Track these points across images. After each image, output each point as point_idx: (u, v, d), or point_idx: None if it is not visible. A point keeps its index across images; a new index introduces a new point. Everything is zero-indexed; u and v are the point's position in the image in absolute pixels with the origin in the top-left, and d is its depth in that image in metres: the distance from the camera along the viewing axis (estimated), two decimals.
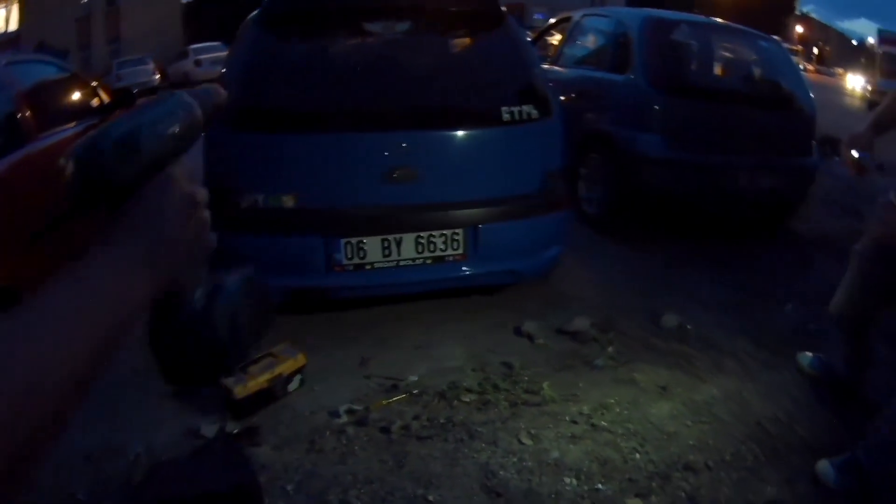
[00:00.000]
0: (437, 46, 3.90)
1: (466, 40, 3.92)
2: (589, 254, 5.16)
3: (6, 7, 36.90)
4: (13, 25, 35.65)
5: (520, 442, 2.73)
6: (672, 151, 5.16)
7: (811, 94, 5.83)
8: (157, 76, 29.49)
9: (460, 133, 3.58)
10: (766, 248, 5.56)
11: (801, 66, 38.54)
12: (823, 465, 2.62)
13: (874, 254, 2.76)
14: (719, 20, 6.65)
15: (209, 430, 2.95)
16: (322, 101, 3.56)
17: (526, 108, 3.63)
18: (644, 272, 4.84)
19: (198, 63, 29.03)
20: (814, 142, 5.66)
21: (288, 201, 3.40)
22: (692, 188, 5.30)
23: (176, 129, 0.67)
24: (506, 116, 3.58)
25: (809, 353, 3.42)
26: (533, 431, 2.80)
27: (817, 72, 45.57)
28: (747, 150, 5.35)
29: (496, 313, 4.05)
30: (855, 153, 2.72)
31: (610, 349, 3.59)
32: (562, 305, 4.18)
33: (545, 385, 3.15)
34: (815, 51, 43.38)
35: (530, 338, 3.75)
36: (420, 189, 3.47)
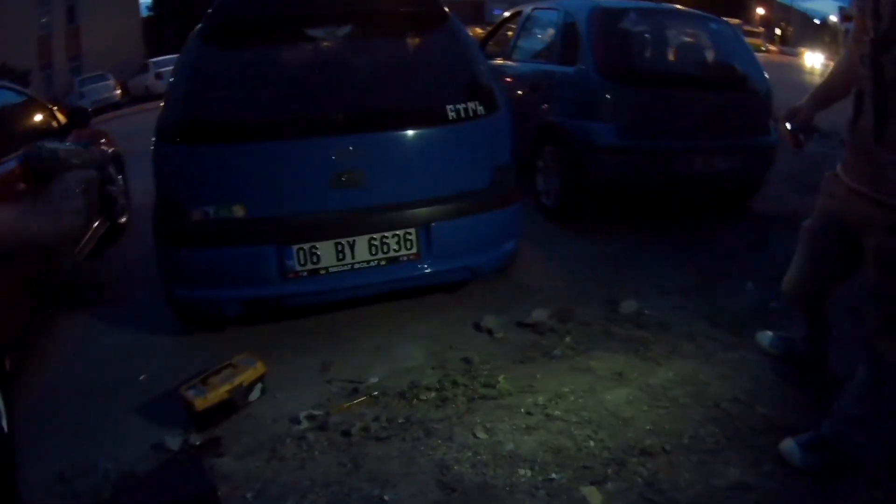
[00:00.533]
0: (380, 48, 3.91)
1: (409, 41, 3.93)
2: (547, 246, 5.21)
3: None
4: None
5: (475, 436, 2.74)
6: (623, 139, 5.20)
7: (765, 73, 5.87)
8: (118, 92, 30.04)
9: (406, 133, 3.60)
10: (726, 229, 5.60)
11: (765, 48, 38.89)
12: (788, 445, 2.61)
13: (822, 227, 2.74)
14: (670, 5, 6.68)
15: (174, 442, 2.99)
16: (266, 110, 3.57)
17: (471, 104, 3.65)
18: (603, 261, 4.88)
19: (158, 76, 29.56)
20: (771, 120, 5.69)
21: (238, 211, 3.41)
22: (646, 175, 5.34)
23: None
24: (451, 115, 3.60)
25: (770, 332, 3.43)
26: (488, 425, 2.81)
27: (780, 52, 45.88)
28: (701, 134, 5.39)
29: (455, 310, 4.08)
30: (789, 126, 2.77)
31: (568, 339, 3.62)
32: (521, 298, 4.22)
33: (501, 378, 3.17)
34: (778, 32, 43.77)
35: (490, 332, 3.78)
36: (369, 191, 3.49)
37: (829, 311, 3.07)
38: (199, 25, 3.74)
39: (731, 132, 5.47)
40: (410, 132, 3.60)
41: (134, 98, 29.22)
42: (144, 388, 3.51)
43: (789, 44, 57.37)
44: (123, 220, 6.23)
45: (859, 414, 2.51)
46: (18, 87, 5.16)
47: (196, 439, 2.99)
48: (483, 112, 3.69)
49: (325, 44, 3.77)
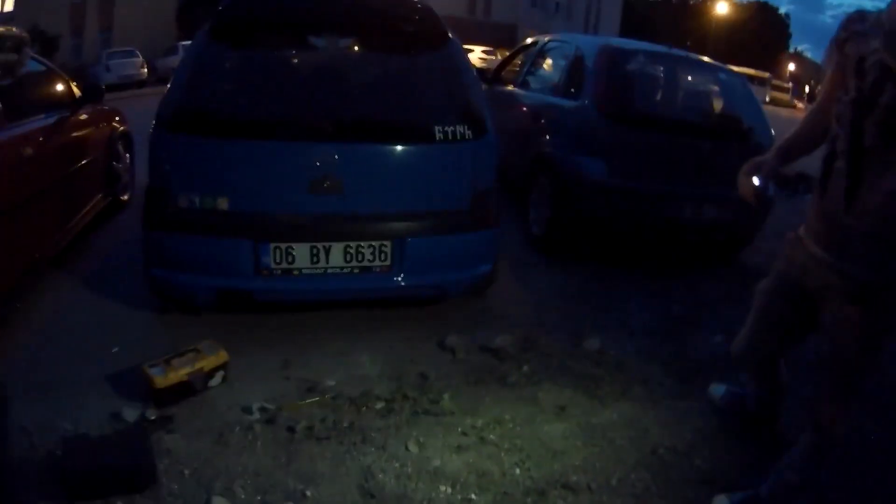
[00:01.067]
0: (377, 63, 4.02)
1: (407, 58, 4.03)
2: (527, 273, 5.30)
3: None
4: (9, 6, 35.72)
5: (406, 449, 2.85)
6: (613, 178, 5.27)
7: (770, 127, 5.87)
8: (145, 70, 30.03)
9: (391, 148, 3.71)
10: (709, 278, 5.65)
11: (795, 104, 38.65)
12: (721, 501, 2.61)
13: (778, 290, 2.69)
14: (681, 51, 6.73)
15: (131, 415, 3.12)
16: (258, 109, 3.70)
17: (460, 127, 3.76)
18: (578, 294, 4.95)
19: None
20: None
21: (221, 203, 3.53)
22: (633, 216, 5.40)
23: None
24: (438, 135, 3.71)
25: (724, 386, 3.44)
26: (422, 440, 2.91)
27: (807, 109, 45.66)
28: (694, 181, 5.42)
29: (423, 326, 4.17)
30: (756, 180, 2.70)
31: (525, 367, 3.70)
32: (490, 322, 4.30)
33: (445, 396, 3.27)
34: (807, 89, 43.41)
35: (452, 352, 3.87)
36: (349, 199, 3.60)
37: (786, 371, 3.09)
38: (209, 22, 3.88)
39: (725, 182, 5.46)
40: (395, 147, 3.71)
41: (160, 78, 29.03)
42: (115, 360, 3.63)
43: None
44: (126, 196, 6.40)
45: (800, 480, 2.51)
46: (38, 58, 5.27)
47: (151, 414, 3.12)
48: (470, 136, 3.79)
49: (324, 52, 3.89)
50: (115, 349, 3.75)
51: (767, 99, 37.43)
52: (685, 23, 61.27)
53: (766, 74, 39.74)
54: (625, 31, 58.83)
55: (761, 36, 61.13)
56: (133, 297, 4.34)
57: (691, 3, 66.34)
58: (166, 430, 3.02)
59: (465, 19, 46.66)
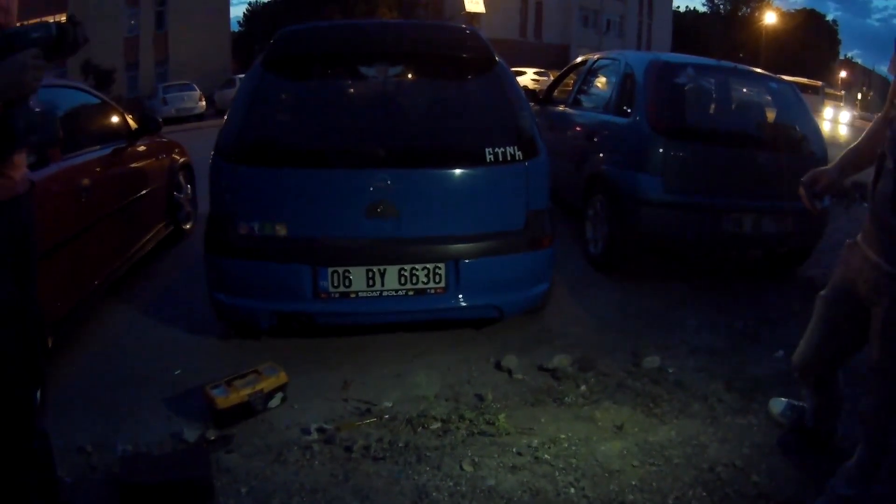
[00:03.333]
0: (428, 89, 4.10)
1: (456, 83, 4.09)
2: (585, 292, 5.28)
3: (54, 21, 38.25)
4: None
5: (461, 468, 2.84)
6: (670, 194, 5.23)
7: (822, 137, 5.78)
8: (203, 103, 30.26)
9: (444, 172, 3.76)
10: (769, 293, 5.54)
11: (847, 112, 37.77)
12: None
13: (836, 297, 2.65)
14: (730, 63, 6.65)
15: (191, 434, 3.21)
16: (313, 139, 3.81)
17: (510, 149, 3.78)
18: (637, 312, 4.90)
19: None
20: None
21: (280, 230, 3.64)
22: (692, 231, 5.34)
23: None
24: (490, 157, 3.74)
25: (784, 400, 3.38)
26: (477, 459, 2.91)
27: (861, 117, 44.45)
28: (752, 194, 5.34)
29: (480, 346, 4.18)
30: (825, 201, 2.70)
31: (583, 387, 3.67)
32: (547, 341, 4.29)
33: (501, 417, 3.26)
34: (859, 96, 42.27)
35: (509, 372, 3.85)
36: (403, 224, 3.65)
37: (843, 383, 3.00)
38: (262, 53, 4.01)
39: (783, 195, 5.28)
40: (448, 171, 3.76)
41: (218, 111, 29.55)
42: (177, 381, 3.76)
43: (869, 108, 55.79)
44: (188, 226, 6.59)
45: (854, 494, 2.45)
46: (94, 92, 5.48)
47: (212, 434, 3.21)
48: (521, 157, 3.81)
49: (375, 81, 3.99)
50: (178, 372, 3.88)
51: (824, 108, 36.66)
52: (735, 35, 60.66)
53: (819, 83, 38.91)
54: (676, 46, 58.51)
55: (812, 44, 60.13)
56: (195, 322, 4.48)
57: (740, 14, 65.59)
58: (226, 449, 3.09)
59: (516, 41, 46.97)
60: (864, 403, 2.49)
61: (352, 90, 4.04)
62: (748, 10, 64.80)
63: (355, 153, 3.71)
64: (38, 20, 1.92)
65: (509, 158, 3.78)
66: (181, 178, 6.45)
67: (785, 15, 60.23)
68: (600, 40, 53.73)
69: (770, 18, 55.21)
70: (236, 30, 50.29)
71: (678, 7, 69.87)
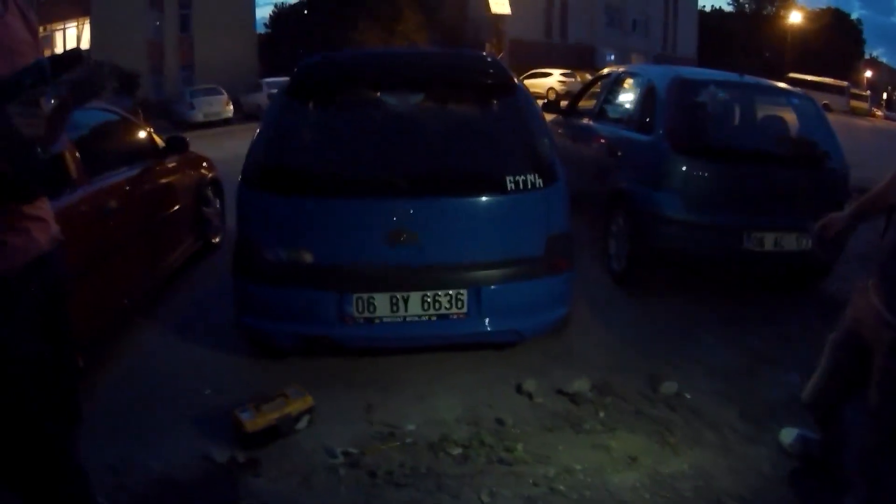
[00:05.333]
0: (448, 117, 4.20)
1: (477, 111, 4.20)
2: (605, 311, 5.34)
3: (77, 26, 38.06)
4: (84, 45, 37.18)
5: (479, 499, 2.95)
6: (691, 213, 5.29)
7: (842, 151, 5.80)
8: (231, 108, 29.78)
9: (465, 201, 3.87)
10: (785, 308, 5.57)
11: (873, 111, 37.14)
12: None
13: (843, 339, 2.74)
14: (753, 78, 6.67)
15: (220, 456, 3.32)
16: (337, 168, 3.92)
17: (530, 176, 3.87)
18: (657, 332, 4.96)
19: (271, 97, 29.41)
20: (846, 202, 5.60)
21: (306, 257, 3.77)
22: (713, 250, 5.40)
23: None
24: (510, 185, 3.84)
25: (795, 430, 3.43)
26: (494, 490, 3.01)
27: (885, 117, 43.44)
28: (773, 211, 5.38)
29: (500, 368, 4.26)
30: (819, 239, 2.81)
31: (602, 414, 3.74)
32: (567, 363, 4.36)
33: (519, 446, 3.35)
34: (885, 96, 41.42)
35: (530, 396, 3.94)
36: (425, 251, 3.76)
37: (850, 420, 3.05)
38: (287, 82, 4.16)
39: (804, 212, 5.27)
40: (469, 199, 3.88)
41: (246, 115, 29.32)
42: (206, 402, 3.88)
43: (895, 108, 54.93)
44: (217, 239, 6.74)
45: None
46: (121, 112, 5.62)
47: (240, 457, 3.32)
48: (541, 184, 3.90)
49: (397, 109, 4.12)
50: (207, 391, 3.99)
51: (847, 108, 36.28)
52: (760, 34, 60.13)
53: (845, 83, 38.45)
54: (701, 46, 58.09)
55: (836, 44, 59.44)
56: (223, 340, 4.61)
57: (765, 13, 65.06)
58: (254, 472, 3.21)
59: (541, 43, 46.84)
60: (863, 442, 2.57)
61: (374, 118, 4.14)
62: (773, 8, 64.21)
63: (378, 182, 3.83)
64: (35, 61, 1.82)
65: (529, 186, 3.87)
66: (209, 193, 6.60)
67: (810, 14, 59.63)
68: (626, 40, 53.49)
69: (795, 18, 54.69)
70: (262, 32, 50.36)
71: (703, 6, 69.33)
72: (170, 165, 5.78)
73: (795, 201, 5.40)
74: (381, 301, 3.77)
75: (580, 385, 4.01)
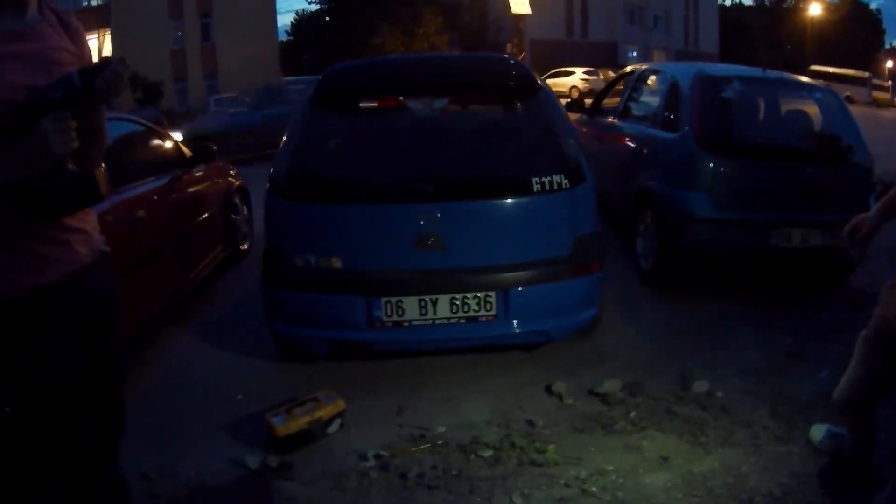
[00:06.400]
0: (472, 120, 4.23)
1: (501, 114, 4.23)
2: (635, 309, 5.33)
3: (98, 37, 38.49)
4: (106, 53, 37.51)
5: (511, 501, 2.96)
6: (719, 211, 5.26)
7: (867, 146, 5.75)
8: None
9: (491, 203, 3.87)
10: (816, 304, 5.52)
11: (895, 102, 36.36)
12: None
13: (874, 338, 2.73)
14: (776, 73, 6.62)
15: (252, 461, 3.36)
16: (363, 174, 3.97)
17: (557, 177, 3.87)
18: (687, 331, 4.93)
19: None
20: (871, 195, 5.55)
21: (334, 263, 3.81)
22: (741, 247, 5.36)
23: None
24: (536, 187, 3.84)
25: (825, 427, 3.40)
26: (526, 491, 3.01)
27: None
28: (799, 208, 5.34)
29: (529, 369, 4.27)
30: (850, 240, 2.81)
31: (632, 414, 3.73)
32: (598, 364, 4.35)
33: (551, 447, 3.35)
34: None
35: (559, 397, 3.94)
36: (453, 255, 3.77)
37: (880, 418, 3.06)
38: (311, 91, 4.20)
39: (830, 207, 5.31)
40: (496, 202, 3.88)
41: None
42: (238, 406, 3.93)
43: None
44: (245, 246, 6.80)
45: None
46: (149, 124, 5.67)
47: (273, 461, 3.36)
48: (567, 185, 3.90)
49: (421, 114, 4.13)
50: (239, 396, 4.05)
51: (870, 99, 35.77)
52: (780, 26, 59.62)
53: (867, 74, 37.89)
54: (722, 40, 57.66)
55: (856, 34, 58.76)
56: (253, 346, 4.67)
57: (784, 6, 64.52)
58: (286, 476, 3.26)
59: (563, 42, 46.77)
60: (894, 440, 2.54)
61: (398, 124, 4.18)
62: (792, 0, 63.69)
63: (404, 188, 3.86)
64: (63, 75, 1.80)
65: (556, 187, 3.87)
66: (237, 201, 6.66)
67: (829, 5, 59.04)
68: (647, 37, 53.27)
69: (815, 9, 54.17)
70: (284, 39, 50.62)
71: (723, 1, 68.97)
72: (197, 174, 5.84)
73: (821, 196, 5.36)
74: (410, 304, 3.79)
75: (610, 385, 4.00)
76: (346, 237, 3.85)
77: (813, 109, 6.20)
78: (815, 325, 5.08)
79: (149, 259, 4.49)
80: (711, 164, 5.35)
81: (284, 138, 4.15)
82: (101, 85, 1.79)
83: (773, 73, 6.52)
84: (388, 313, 3.79)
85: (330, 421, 3.61)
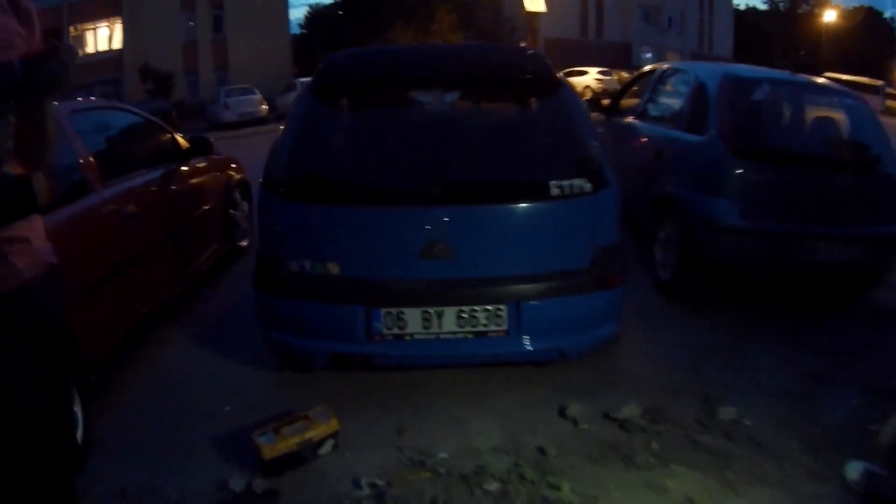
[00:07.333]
0: (486, 117, 3.86)
1: (517, 110, 3.86)
2: (655, 323, 4.99)
3: (109, 26, 38.57)
4: (116, 44, 37.52)
5: None
6: (746, 220, 4.94)
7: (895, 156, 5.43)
8: (264, 107, 30.07)
9: (505, 208, 3.52)
10: (839, 321, 5.24)
11: None
12: None
13: None
14: (804, 77, 6.30)
15: (237, 484, 3.11)
16: (367, 174, 3.61)
17: (577, 181, 3.53)
18: (711, 348, 4.62)
19: None
20: None
21: (332, 269, 3.47)
22: (766, 260, 5.05)
23: None
24: (555, 191, 3.49)
25: (860, 464, 3.13)
26: None
27: None
28: (826, 219, 5.05)
29: (542, 388, 3.95)
30: None
31: (654, 445, 3.41)
32: (616, 384, 4.04)
33: (566, 485, 3.03)
34: None
35: (574, 421, 3.62)
36: (461, 264, 3.44)
37: None
38: (311, 80, 3.86)
39: (857, 218, 5.08)
40: (509, 207, 3.53)
41: (280, 115, 29.67)
42: (226, 420, 3.65)
43: None
44: (245, 243, 6.50)
45: None
46: (142, 113, 5.39)
47: (259, 487, 3.07)
48: (589, 189, 3.55)
49: (431, 109, 3.78)
50: (228, 408, 3.76)
51: (883, 108, 35.55)
52: (795, 32, 59.44)
53: (881, 83, 37.58)
54: (737, 44, 57.51)
55: (870, 42, 58.56)
56: (247, 352, 4.36)
57: (799, 12, 64.32)
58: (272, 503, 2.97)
59: (577, 41, 46.63)
60: None
61: (406, 119, 3.83)
62: (808, 6, 63.54)
63: (409, 190, 3.51)
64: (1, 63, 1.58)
65: (576, 192, 3.53)
66: (237, 195, 6.37)
67: (844, 13, 58.82)
68: (661, 38, 52.97)
69: (830, 16, 53.98)
70: (297, 33, 50.55)
71: (738, 4, 68.99)
72: (194, 167, 5.56)
73: (850, 208, 5.10)
74: (413, 316, 3.46)
75: (630, 411, 3.68)
76: (345, 241, 3.51)
77: (842, 116, 5.90)
78: (839, 343, 4.80)
79: (139, 256, 4.25)
80: (740, 170, 5.04)
81: (281, 130, 3.82)
82: (46, 76, 1.55)
83: (801, 77, 6.21)
84: (389, 325, 3.47)
85: (322, 442, 3.32)
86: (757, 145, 5.22)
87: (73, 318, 3.20)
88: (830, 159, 5.39)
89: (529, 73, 3.89)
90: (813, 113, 6.07)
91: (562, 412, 3.71)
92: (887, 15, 69.43)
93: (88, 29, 39.05)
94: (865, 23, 60.85)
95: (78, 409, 3.18)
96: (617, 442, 3.46)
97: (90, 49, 38.67)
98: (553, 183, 3.51)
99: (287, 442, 3.20)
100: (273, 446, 3.18)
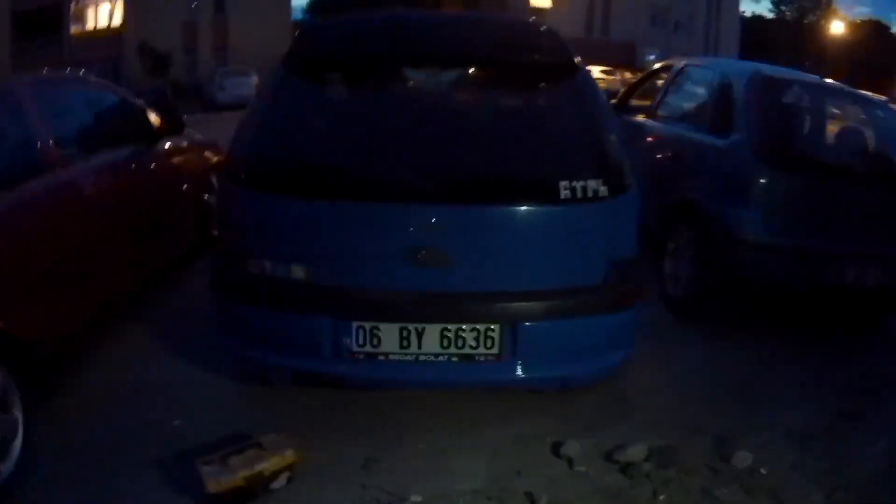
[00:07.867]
0: (489, 102, 3.37)
1: (526, 96, 3.34)
2: (666, 347, 4.52)
3: (111, 3, 38.77)
4: (117, 20, 37.19)
5: None
6: (773, 235, 4.52)
7: None
8: None
9: (505, 211, 3.02)
10: (860, 350, 4.86)
11: None
12: None
13: None
14: (835, 82, 5.93)
15: None
16: (345, 163, 3.11)
17: (592, 182, 3.01)
18: (726, 378, 4.18)
19: None
20: None
21: (297, 272, 2.99)
22: (791, 279, 4.61)
23: None
24: (565, 193, 2.98)
25: None
26: None
27: None
28: (856, 237, 4.65)
29: (536, 420, 3.50)
30: None
31: (662, 496, 2.96)
32: (619, 417, 3.60)
33: None
34: None
35: (570, 461, 3.17)
36: (449, 274, 2.95)
37: None
38: (286, 52, 3.35)
39: (888, 238, 4.67)
40: (510, 209, 3.02)
41: None
42: (173, 436, 3.26)
43: None
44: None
45: None
46: (112, 86, 5.08)
47: None
48: (606, 193, 3.05)
49: (425, 89, 3.31)
50: (177, 422, 3.38)
51: None
52: (801, 42, 59.48)
53: (884, 98, 37.69)
54: (743, 50, 57.46)
55: (875, 56, 58.68)
56: (207, 356, 3.91)
57: (806, 21, 64.40)
58: None
59: (582, 39, 46.48)
60: None
61: (395, 101, 3.32)
62: (814, 17, 63.64)
63: (395, 184, 3.01)
64: None
65: (590, 195, 3.01)
66: (213, 180, 5.89)
67: (851, 25, 58.98)
68: (668, 40, 52.79)
69: (837, 27, 53.99)
70: (301, 18, 50.10)
71: (744, 11, 69.40)
72: (166, 151, 5.20)
73: (882, 226, 4.69)
74: (388, 332, 2.96)
75: (634, 453, 3.21)
76: (315, 241, 3.01)
77: (876, 126, 5.51)
78: (862, 376, 4.44)
79: (96, 244, 3.91)
80: (768, 179, 4.60)
81: (248, 109, 3.32)
82: None
83: (832, 83, 5.76)
84: (360, 342, 2.97)
85: (276, 474, 2.87)
86: (787, 152, 4.78)
87: (20, 306, 3.05)
88: (865, 172, 4.97)
89: (542, 52, 3.38)
90: (846, 121, 5.70)
91: (556, 450, 3.26)
92: (895, 29, 69.62)
93: (90, 4, 38.79)
94: (872, 35, 60.88)
95: (18, 412, 2.90)
96: (618, 490, 3.02)
97: (90, 25, 38.58)
98: (563, 183, 2.99)
99: (234, 477, 2.77)
100: (218, 480, 2.75)
